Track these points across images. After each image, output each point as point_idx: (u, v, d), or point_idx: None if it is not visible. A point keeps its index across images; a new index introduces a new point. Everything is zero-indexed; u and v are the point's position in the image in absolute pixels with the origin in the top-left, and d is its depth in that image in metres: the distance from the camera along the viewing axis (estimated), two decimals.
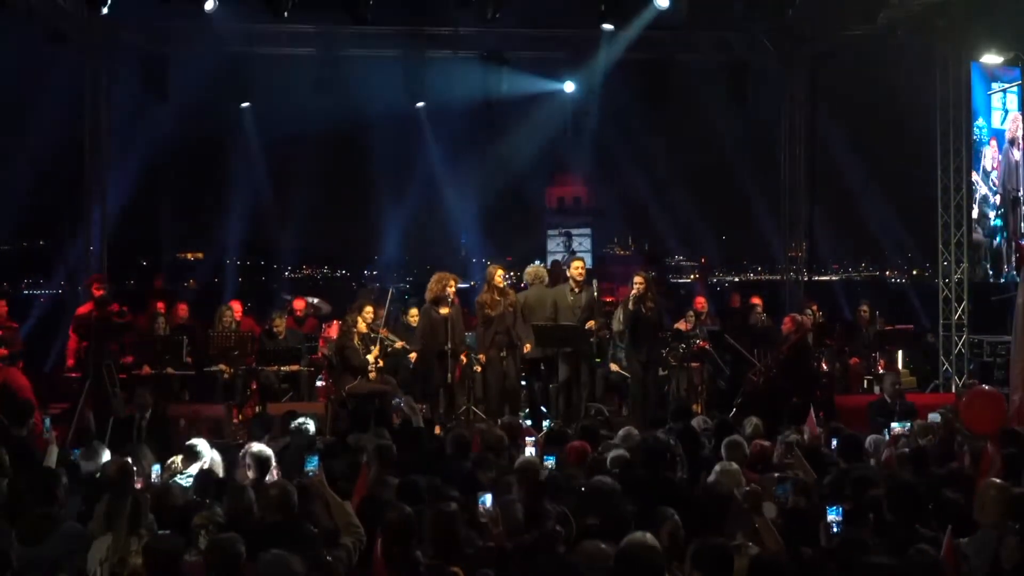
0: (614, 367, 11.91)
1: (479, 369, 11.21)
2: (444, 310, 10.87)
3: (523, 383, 11.45)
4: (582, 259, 11.60)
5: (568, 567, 4.32)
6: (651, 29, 13.57)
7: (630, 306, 10.91)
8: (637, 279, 10.98)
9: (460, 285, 11.83)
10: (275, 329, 11.80)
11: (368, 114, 17.48)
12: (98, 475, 6.09)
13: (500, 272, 11.13)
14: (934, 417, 8.76)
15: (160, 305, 12.67)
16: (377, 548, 4.76)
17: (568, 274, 11.30)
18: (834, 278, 45.15)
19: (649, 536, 4.25)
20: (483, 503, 5.49)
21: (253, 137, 16.81)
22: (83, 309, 11.40)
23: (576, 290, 10.99)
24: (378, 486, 6.05)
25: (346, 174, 28.97)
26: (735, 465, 6.21)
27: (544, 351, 10.96)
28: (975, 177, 13.58)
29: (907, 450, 7.32)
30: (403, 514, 4.83)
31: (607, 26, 12.97)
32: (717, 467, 6.19)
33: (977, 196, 13.64)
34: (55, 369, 12.61)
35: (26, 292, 26.42)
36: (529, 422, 10.16)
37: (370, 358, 10.61)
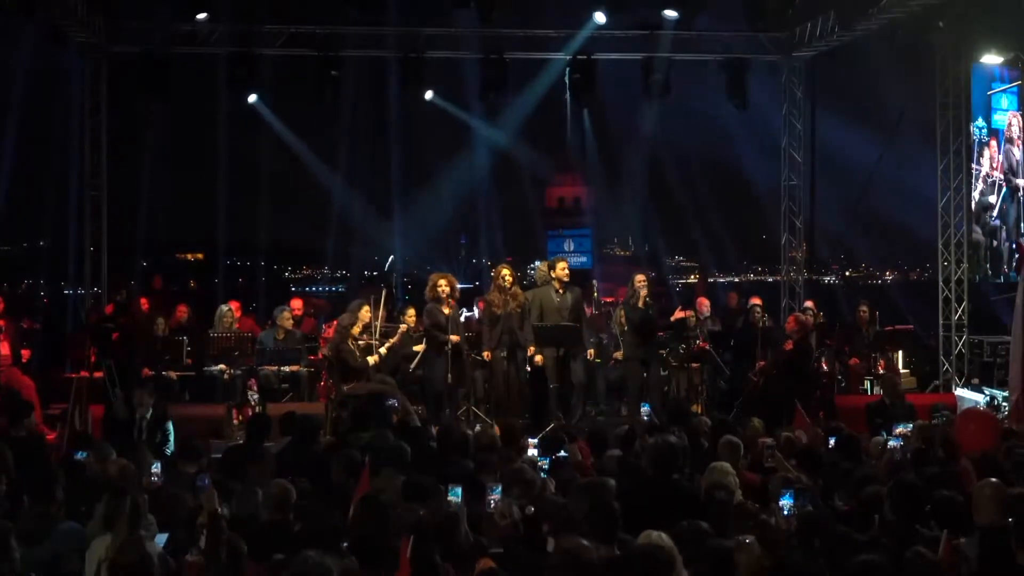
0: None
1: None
2: (446, 310, 10.87)
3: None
4: (566, 259, 11.55)
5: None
6: (652, 28, 13.55)
7: (640, 304, 11.00)
8: (640, 278, 11.15)
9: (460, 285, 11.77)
10: (283, 324, 11.73)
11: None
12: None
13: (507, 272, 11.10)
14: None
15: (143, 301, 12.66)
16: (405, 550, 4.69)
17: (553, 275, 11.17)
18: (835, 278, 45.14)
19: (665, 536, 4.27)
20: (494, 493, 5.48)
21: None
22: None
23: (561, 291, 10.99)
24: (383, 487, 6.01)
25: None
26: (727, 465, 6.19)
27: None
28: (975, 178, 13.57)
29: (908, 449, 7.30)
30: (414, 513, 4.82)
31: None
32: (710, 467, 6.17)
33: (977, 197, 13.62)
34: (55, 369, 12.59)
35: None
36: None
37: (371, 360, 10.67)
